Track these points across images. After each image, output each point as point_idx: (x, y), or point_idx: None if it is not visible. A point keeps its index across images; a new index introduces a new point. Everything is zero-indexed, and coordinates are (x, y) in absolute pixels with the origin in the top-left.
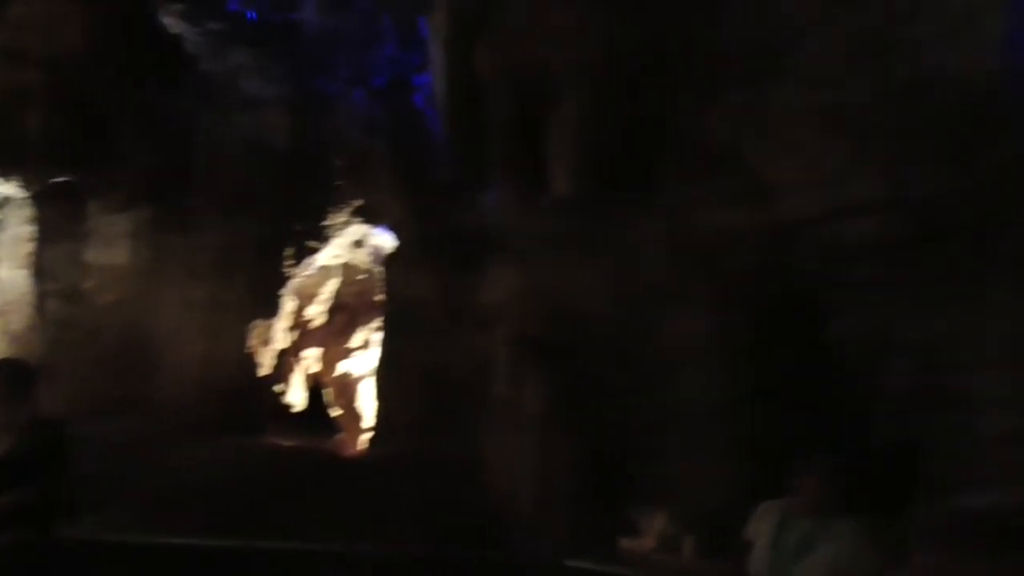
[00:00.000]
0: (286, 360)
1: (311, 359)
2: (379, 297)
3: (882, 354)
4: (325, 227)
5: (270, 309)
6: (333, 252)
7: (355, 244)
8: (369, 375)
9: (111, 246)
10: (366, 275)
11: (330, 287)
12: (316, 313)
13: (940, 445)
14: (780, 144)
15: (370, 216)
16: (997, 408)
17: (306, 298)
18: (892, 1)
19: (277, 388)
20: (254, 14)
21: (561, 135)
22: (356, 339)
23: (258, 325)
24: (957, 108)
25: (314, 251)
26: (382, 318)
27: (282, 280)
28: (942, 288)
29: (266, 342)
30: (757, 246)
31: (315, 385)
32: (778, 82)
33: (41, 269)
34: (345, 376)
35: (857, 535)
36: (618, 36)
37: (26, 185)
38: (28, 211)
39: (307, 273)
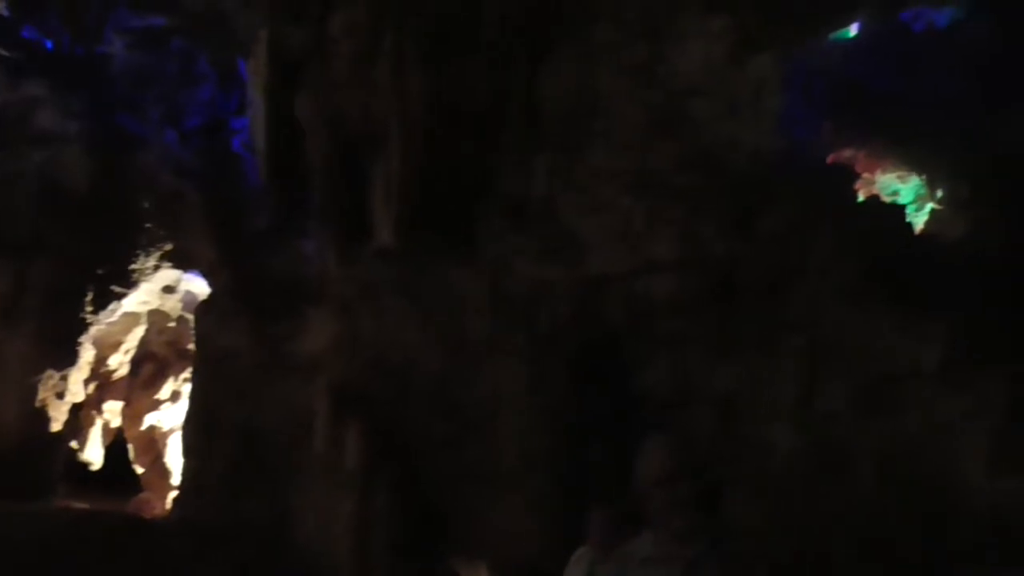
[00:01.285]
0: (84, 414)
1: (112, 412)
2: (190, 346)
3: (685, 403)
4: (131, 272)
5: (65, 359)
6: (141, 298)
7: (165, 290)
8: (178, 429)
9: None
10: (177, 323)
11: (136, 335)
12: (119, 363)
13: (739, 490)
14: (590, 203)
15: (181, 261)
16: (787, 454)
17: (108, 347)
18: (686, 79)
19: (72, 445)
20: (52, 44)
21: (383, 185)
22: (164, 391)
23: (51, 377)
24: (743, 176)
25: (119, 297)
26: (193, 368)
27: (81, 328)
28: (736, 342)
29: (60, 395)
30: (570, 298)
31: (117, 441)
32: (589, 144)
33: None
34: (151, 431)
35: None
36: (439, 89)
37: None
38: None
39: (110, 320)
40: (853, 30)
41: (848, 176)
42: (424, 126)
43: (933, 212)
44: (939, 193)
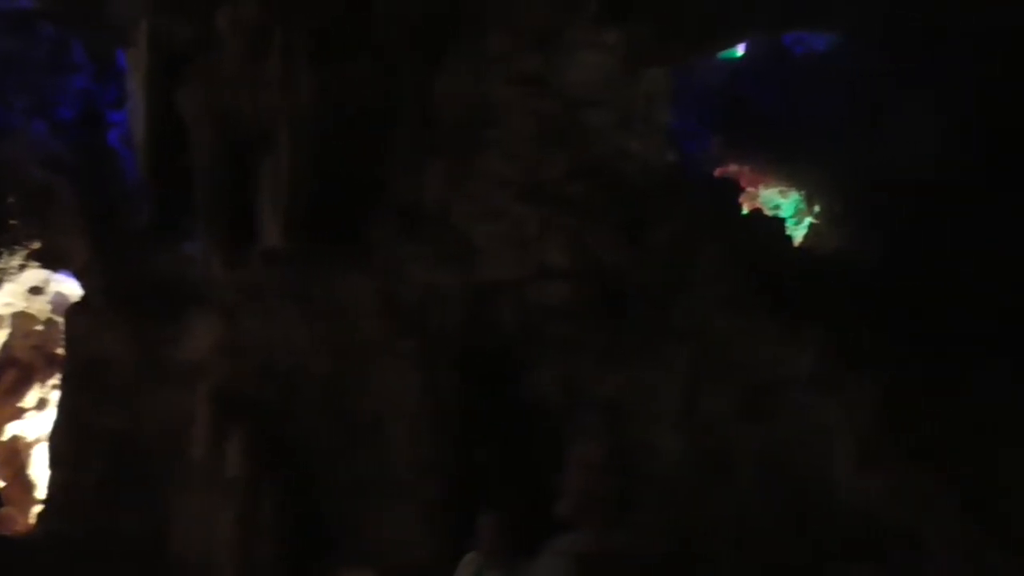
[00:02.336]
0: None
1: None
2: (60, 351)
3: (573, 408)
4: None
5: None
6: (4, 300)
7: (32, 291)
8: (44, 439)
9: None
10: (45, 326)
11: None
12: None
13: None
14: (484, 210)
15: (50, 260)
16: (672, 458)
17: None
18: (579, 89)
19: None
20: None
21: (271, 185)
22: (30, 398)
23: None
24: (634, 187)
25: None
26: (63, 374)
27: None
28: (624, 348)
29: None
30: (463, 304)
31: None
32: (483, 151)
33: None
34: (15, 441)
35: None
36: (329, 88)
37: None
38: None
39: None
40: (740, 50)
41: (734, 190)
42: (314, 126)
43: (812, 226)
44: (816, 208)
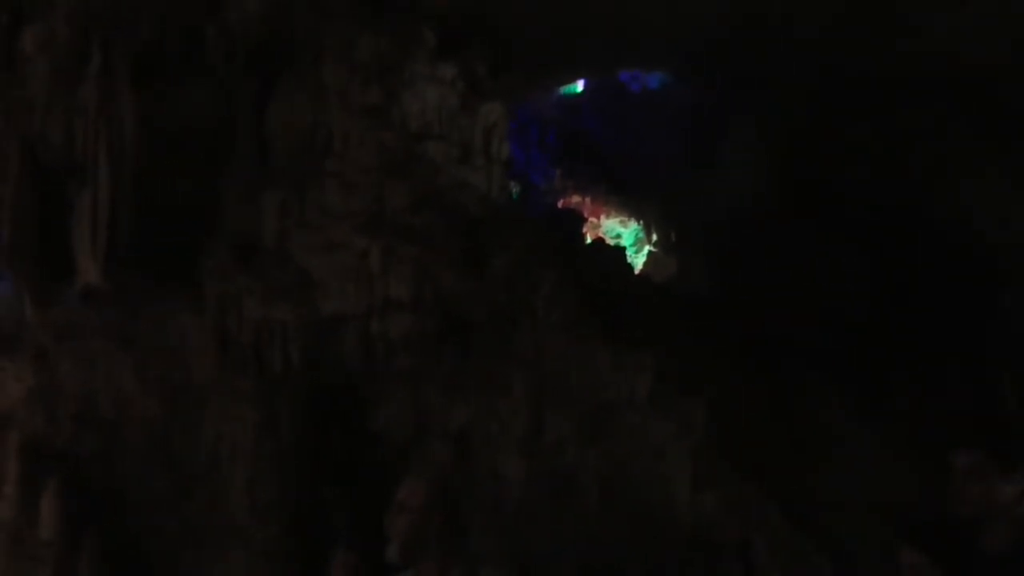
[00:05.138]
0: None
1: None
2: None
3: (422, 439)
4: None
5: None
6: None
7: None
8: None
9: None
10: None
11: None
12: None
13: (475, 521)
14: (323, 242)
15: None
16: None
17: None
18: (420, 122)
19: None
20: None
21: (88, 218)
22: None
23: None
24: (476, 217)
25: None
26: None
27: None
28: (469, 378)
29: None
30: (303, 339)
31: None
32: (321, 183)
33: None
34: None
35: None
36: (153, 114)
37: None
38: None
39: None
40: (580, 86)
41: (576, 220)
42: (136, 154)
43: (650, 254)
44: (654, 237)
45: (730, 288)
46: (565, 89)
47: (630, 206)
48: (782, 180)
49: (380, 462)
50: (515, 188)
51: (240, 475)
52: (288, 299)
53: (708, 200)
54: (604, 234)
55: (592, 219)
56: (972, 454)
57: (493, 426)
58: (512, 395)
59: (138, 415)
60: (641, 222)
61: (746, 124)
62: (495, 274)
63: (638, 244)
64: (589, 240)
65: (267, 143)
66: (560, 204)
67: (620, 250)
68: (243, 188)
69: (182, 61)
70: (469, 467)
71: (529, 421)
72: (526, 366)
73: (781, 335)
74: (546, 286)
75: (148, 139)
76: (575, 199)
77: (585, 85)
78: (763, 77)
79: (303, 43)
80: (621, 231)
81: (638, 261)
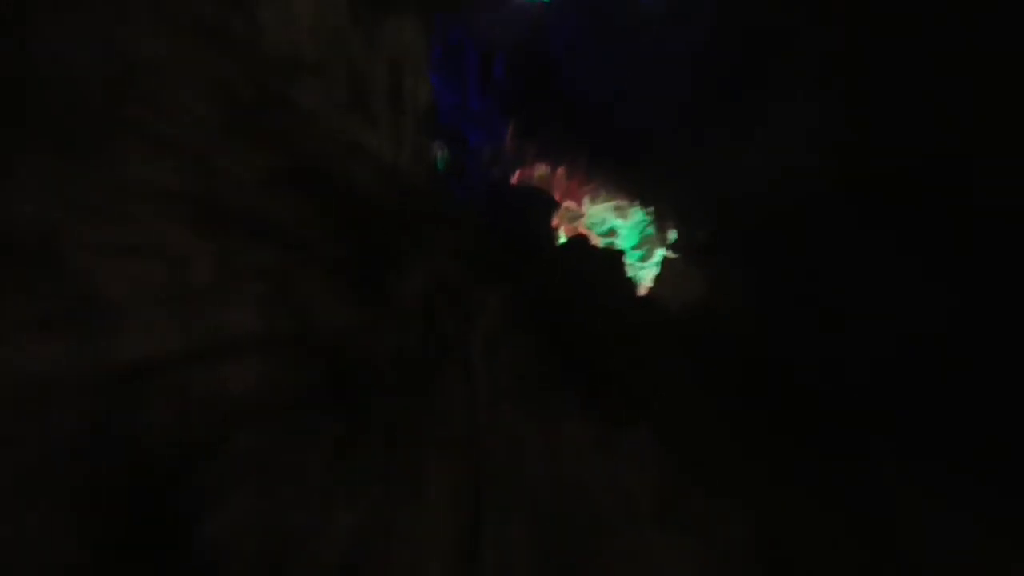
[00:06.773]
0: None
1: None
2: None
3: (278, 571)
4: None
5: None
6: None
7: None
8: None
9: None
10: None
11: None
12: None
13: None
14: (117, 238)
15: None
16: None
17: None
18: (283, 46)
19: None
20: None
21: None
22: None
23: None
24: (371, 203)
25: None
26: None
27: None
28: (356, 467)
29: None
30: (85, 401)
31: None
32: (114, 143)
33: None
34: None
35: None
36: None
37: None
38: None
39: None
40: None
41: (542, 205)
42: None
43: (664, 261)
44: (671, 234)
45: (787, 316)
46: None
47: (631, 183)
48: (865, 146)
49: None
50: (440, 153)
51: None
52: (61, 336)
53: (754, 176)
54: (588, 228)
55: (568, 204)
56: None
57: (396, 547)
58: (428, 496)
59: None
60: (650, 210)
61: (812, 50)
62: (404, 296)
63: (644, 245)
64: (563, 238)
65: (23, 82)
66: (515, 179)
67: (614, 255)
68: None
69: None
70: None
71: (455, 538)
72: (452, 448)
73: (867, 395)
74: (488, 317)
75: None
76: (539, 171)
77: None
78: None
79: None
80: (616, 223)
81: (644, 273)
